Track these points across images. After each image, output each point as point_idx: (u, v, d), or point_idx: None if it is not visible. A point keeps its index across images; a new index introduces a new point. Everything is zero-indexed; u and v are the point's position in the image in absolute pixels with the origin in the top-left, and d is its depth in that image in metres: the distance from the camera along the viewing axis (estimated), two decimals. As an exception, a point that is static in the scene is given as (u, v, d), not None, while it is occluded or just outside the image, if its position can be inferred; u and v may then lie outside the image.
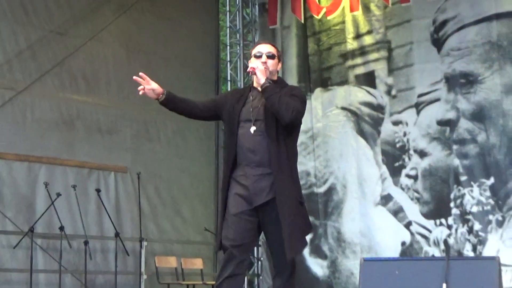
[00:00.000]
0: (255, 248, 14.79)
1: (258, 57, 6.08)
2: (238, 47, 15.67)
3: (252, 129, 5.99)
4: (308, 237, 13.42)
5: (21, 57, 12.36)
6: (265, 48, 6.15)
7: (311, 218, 13.59)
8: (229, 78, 15.67)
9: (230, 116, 6.13)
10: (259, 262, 14.79)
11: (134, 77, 6.11)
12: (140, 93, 6.11)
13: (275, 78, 6.15)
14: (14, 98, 12.14)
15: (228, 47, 15.79)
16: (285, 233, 5.80)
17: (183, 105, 6.29)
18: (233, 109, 6.12)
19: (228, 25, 15.65)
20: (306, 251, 13.87)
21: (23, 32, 12.44)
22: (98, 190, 12.44)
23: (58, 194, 11.71)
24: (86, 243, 11.72)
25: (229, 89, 15.16)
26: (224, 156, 6.36)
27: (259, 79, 5.91)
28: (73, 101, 12.89)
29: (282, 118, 5.84)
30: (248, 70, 6.11)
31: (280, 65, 6.29)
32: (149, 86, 6.08)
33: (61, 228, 11.53)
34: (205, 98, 6.63)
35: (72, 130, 12.86)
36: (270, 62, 6.08)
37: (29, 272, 11.29)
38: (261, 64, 6.00)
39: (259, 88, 5.96)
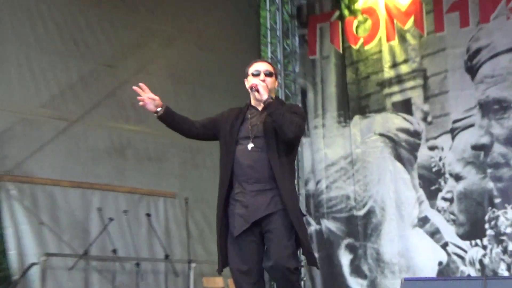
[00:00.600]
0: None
1: (256, 75, 5.98)
2: (279, 77, 14.63)
3: (250, 145, 5.87)
4: (348, 258, 13.80)
5: (74, 89, 12.58)
6: (262, 66, 6.07)
7: (351, 240, 13.76)
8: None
9: (228, 134, 6.00)
10: (303, 282, 14.62)
11: (134, 87, 6.04)
12: (140, 103, 6.04)
13: (272, 95, 6.01)
14: (68, 128, 12.35)
15: (271, 78, 15.52)
16: (303, 244, 5.80)
17: (180, 122, 6.18)
18: (232, 127, 5.99)
19: (269, 56, 15.49)
20: (347, 271, 14.04)
21: (75, 65, 12.65)
22: (148, 215, 12.58)
23: (111, 219, 11.96)
24: (137, 265, 11.99)
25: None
26: (220, 175, 6.10)
27: (262, 95, 5.79)
28: (124, 130, 13.10)
29: (285, 134, 5.75)
30: (249, 86, 5.97)
31: (277, 83, 6.21)
32: (149, 95, 6.00)
33: (114, 251, 11.84)
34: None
35: (123, 158, 13.08)
36: (268, 80, 5.98)
37: None
38: (261, 82, 5.89)
39: (259, 107, 5.93)
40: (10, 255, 11.83)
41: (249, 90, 5.94)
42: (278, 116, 5.73)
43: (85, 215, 12.46)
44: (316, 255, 14.15)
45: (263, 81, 5.90)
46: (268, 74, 6.00)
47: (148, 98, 5.97)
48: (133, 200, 13.04)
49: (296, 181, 14.64)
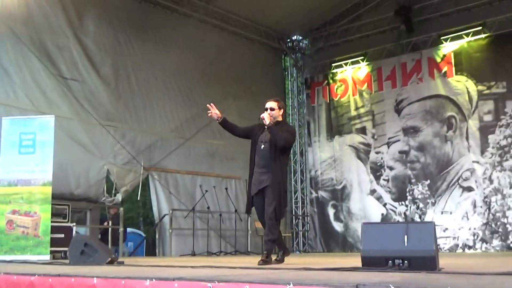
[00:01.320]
0: (305, 217, 14.55)
1: (266, 109, 5.78)
2: (296, 116, 15.15)
3: (262, 146, 5.71)
4: (333, 211, 13.73)
5: (187, 121, 12.60)
6: (268, 104, 5.83)
7: (334, 202, 13.65)
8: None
9: (254, 138, 5.84)
10: (308, 224, 14.54)
11: (207, 105, 5.83)
12: (209, 115, 5.87)
13: (279, 119, 5.83)
14: (184, 143, 12.40)
15: (290, 115, 15.13)
16: (279, 206, 5.56)
17: (231, 127, 5.96)
18: (256, 135, 5.82)
19: (290, 104, 15.21)
20: (332, 218, 13.91)
21: (188, 109, 12.64)
22: (226, 188, 12.67)
23: (206, 191, 11.96)
24: (220, 215, 12.03)
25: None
26: (250, 160, 5.85)
27: (265, 122, 5.65)
28: (213, 144, 12.95)
29: (277, 143, 5.60)
30: (260, 117, 5.74)
31: (282, 111, 5.87)
32: (215, 111, 5.82)
33: (208, 208, 11.86)
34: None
35: (213, 158, 13.03)
36: (272, 112, 5.75)
37: (192, 230, 11.60)
38: (266, 114, 5.72)
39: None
40: (154, 209, 12.04)
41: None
42: (273, 134, 5.64)
43: (193, 188, 12.46)
44: (315, 210, 14.40)
45: (269, 113, 5.74)
46: (271, 109, 5.78)
47: (214, 113, 5.83)
48: (218, 181, 12.92)
49: (304, 170, 14.85)
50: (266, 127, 5.70)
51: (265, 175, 5.65)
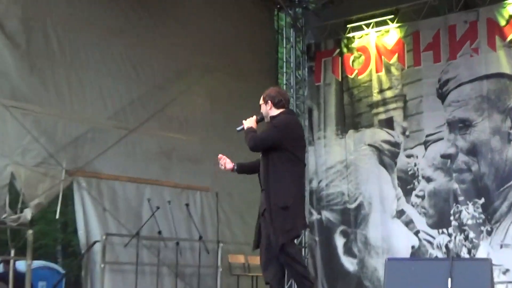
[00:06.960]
0: (303, 248, 14.41)
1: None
2: (292, 99, 14.75)
3: (261, 157, 6.25)
4: (342, 241, 13.56)
5: (133, 105, 12.59)
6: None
7: (345, 227, 13.58)
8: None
9: None
10: (306, 259, 14.16)
11: (219, 157, 6.54)
12: (221, 167, 6.53)
13: (273, 114, 6.36)
14: (127, 135, 12.33)
15: (284, 99, 15.45)
16: (270, 230, 6.03)
17: (250, 166, 6.55)
18: None
19: (284, 83, 15.36)
20: (341, 252, 13.93)
21: (134, 87, 12.68)
22: (187, 205, 12.64)
23: (158, 207, 11.96)
24: (177, 243, 11.99)
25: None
26: None
27: (245, 128, 6.36)
28: (170, 138, 13.05)
29: (247, 145, 6.17)
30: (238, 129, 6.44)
31: (270, 103, 6.38)
32: (225, 161, 6.49)
33: (159, 232, 11.86)
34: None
35: (169, 159, 12.99)
36: (261, 110, 6.42)
37: (135, 264, 11.51)
38: (246, 120, 6.39)
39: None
40: (79, 234, 11.92)
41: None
42: (245, 138, 6.23)
43: (138, 204, 12.41)
44: (317, 238, 14.45)
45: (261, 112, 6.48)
46: (260, 106, 6.47)
47: (226, 163, 6.50)
48: (176, 193, 12.91)
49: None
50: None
51: (263, 193, 6.16)
